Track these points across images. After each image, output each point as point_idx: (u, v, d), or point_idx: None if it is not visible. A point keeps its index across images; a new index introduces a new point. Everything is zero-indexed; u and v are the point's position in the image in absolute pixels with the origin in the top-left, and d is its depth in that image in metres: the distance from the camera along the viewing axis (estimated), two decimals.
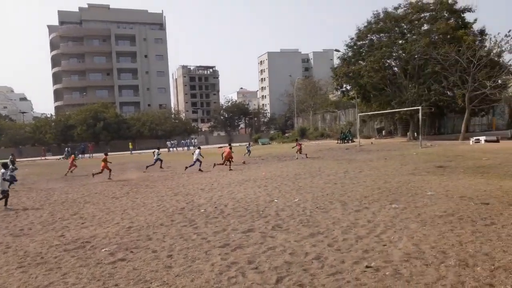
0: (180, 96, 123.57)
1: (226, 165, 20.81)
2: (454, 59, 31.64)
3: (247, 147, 30.39)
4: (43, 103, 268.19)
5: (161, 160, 23.99)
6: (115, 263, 5.99)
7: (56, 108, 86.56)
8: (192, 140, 60.84)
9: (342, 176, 14.59)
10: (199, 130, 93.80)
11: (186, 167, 20.74)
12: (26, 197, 14.47)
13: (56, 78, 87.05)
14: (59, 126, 64.17)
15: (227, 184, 14.29)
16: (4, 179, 11.89)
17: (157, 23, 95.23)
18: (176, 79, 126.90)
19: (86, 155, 51.44)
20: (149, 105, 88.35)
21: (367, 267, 5.13)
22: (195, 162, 20.52)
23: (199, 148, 22.54)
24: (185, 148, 56.14)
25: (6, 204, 11.97)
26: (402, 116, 38.47)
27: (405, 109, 34.25)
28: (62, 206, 11.75)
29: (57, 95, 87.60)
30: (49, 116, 76.25)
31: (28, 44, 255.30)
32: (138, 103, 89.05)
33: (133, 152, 52.96)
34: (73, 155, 26.57)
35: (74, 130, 62.95)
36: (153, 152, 24.80)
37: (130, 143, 55.70)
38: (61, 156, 51.19)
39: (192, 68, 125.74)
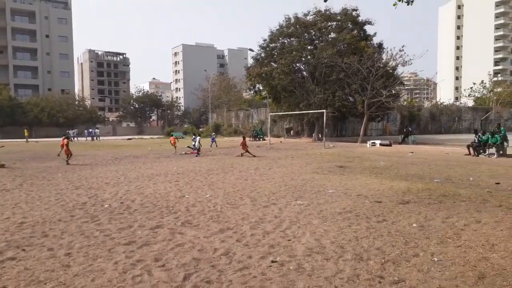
0: (86, 82, 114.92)
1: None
2: (356, 68, 34.33)
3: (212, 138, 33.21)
4: None
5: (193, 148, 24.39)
6: (3, 263, 5.39)
7: None
8: (96, 130, 56.95)
9: (253, 172, 14.95)
10: (106, 119, 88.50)
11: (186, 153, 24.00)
12: None
13: None
14: None
15: (135, 179, 13.72)
16: None
17: (61, 1, 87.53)
18: (81, 63, 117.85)
19: None
20: (49, 89, 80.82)
21: (272, 262, 5.34)
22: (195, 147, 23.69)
23: (199, 135, 25.28)
24: (89, 138, 52.42)
25: None
26: (310, 118, 40.67)
27: (312, 111, 36.28)
28: None
29: None
30: None
31: None
32: (37, 87, 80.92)
33: (29, 140, 47.99)
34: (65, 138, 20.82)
35: None
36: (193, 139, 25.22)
37: (25, 130, 50.28)
38: None
39: (100, 53, 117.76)
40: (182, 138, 54.70)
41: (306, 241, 6.22)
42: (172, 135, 33.74)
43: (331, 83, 37.18)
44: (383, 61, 36.02)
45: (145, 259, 5.52)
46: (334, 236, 6.49)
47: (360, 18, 39.97)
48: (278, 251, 5.80)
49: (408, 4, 7.79)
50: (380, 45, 40.16)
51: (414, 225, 7.09)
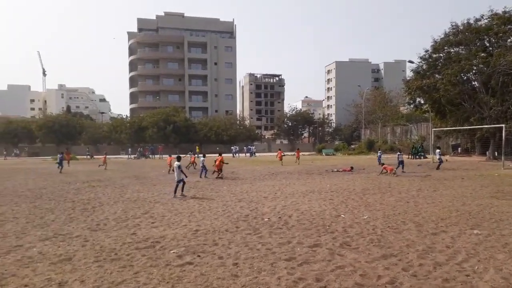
0: (246, 103, 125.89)
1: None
2: None
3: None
4: (120, 105, 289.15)
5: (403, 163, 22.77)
6: (183, 266, 6.07)
7: (131, 110, 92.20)
8: (253, 147, 61.32)
9: (415, 194, 13.70)
10: (262, 137, 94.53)
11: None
12: (102, 193, 15.43)
13: (133, 82, 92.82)
14: (133, 127, 68.15)
15: (291, 194, 14.09)
16: (181, 171, 13.95)
17: (227, 32, 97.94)
18: (242, 86, 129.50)
19: (156, 156, 54.25)
20: (216, 111, 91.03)
21: None
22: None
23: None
24: (247, 154, 56.71)
25: (182, 190, 14.15)
26: (483, 134, 35.68)
27: (486, 126, 31.74)
28: (134, 204, 12.34)
29: (133, 97, 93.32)
30: (124, 117, 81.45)
31: (110, 49, 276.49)
32: (206, 109, 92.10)
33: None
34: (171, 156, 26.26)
35: (146, 131, 66.51)
36: (397, 156, 23.44)
37: (197, 147, 57.55)
38: (133, 156, 54.30)
39: (258, 76, 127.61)
40: (333, 154, 54.39)
41: (490, 279, 5.28)
42: (279, 150, 35.68)
43: (511, 94, 32.01)
44: None
45: (306, 278, 5.48)
46: None
47: None
48: (455, 286, 5.07)
49: None
50: None
51: None
